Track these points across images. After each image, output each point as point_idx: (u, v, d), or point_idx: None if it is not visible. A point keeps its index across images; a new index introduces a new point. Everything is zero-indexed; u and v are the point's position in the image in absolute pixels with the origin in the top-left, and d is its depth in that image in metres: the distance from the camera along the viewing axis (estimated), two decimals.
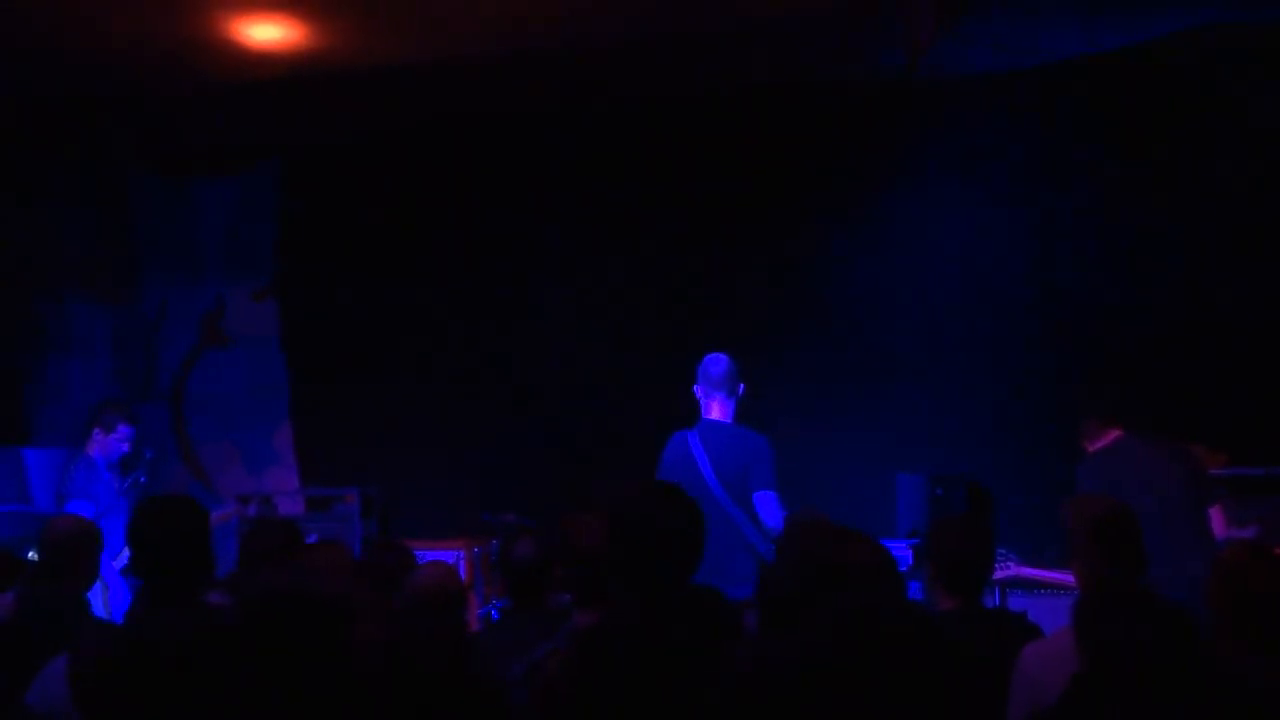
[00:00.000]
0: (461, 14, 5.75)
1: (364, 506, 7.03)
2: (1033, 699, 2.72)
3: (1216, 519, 4.47)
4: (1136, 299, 6.26)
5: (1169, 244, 6.27)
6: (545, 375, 7.28)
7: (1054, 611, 4.52)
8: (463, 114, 7.32)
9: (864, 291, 6.78)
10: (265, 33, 5.87)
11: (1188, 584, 3.60)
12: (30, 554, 4.74)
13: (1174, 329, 6.13)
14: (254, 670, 2.27)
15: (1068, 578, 3.64)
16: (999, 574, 4.49)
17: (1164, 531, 3.89)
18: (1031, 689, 2.77)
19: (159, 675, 2.31)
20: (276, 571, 2.86)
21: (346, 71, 6.42)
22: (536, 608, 3.54)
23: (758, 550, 4.48)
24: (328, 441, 7.74)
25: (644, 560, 2.57)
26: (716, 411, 4.71)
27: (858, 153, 6.82)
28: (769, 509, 4.47)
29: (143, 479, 6.01)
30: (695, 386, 4.77)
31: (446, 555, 5.70)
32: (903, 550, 5.15)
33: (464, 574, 6.31)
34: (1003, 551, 4.44)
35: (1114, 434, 4.58)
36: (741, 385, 4.74)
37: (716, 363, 4.73)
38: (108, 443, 5.89)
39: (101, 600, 5.22)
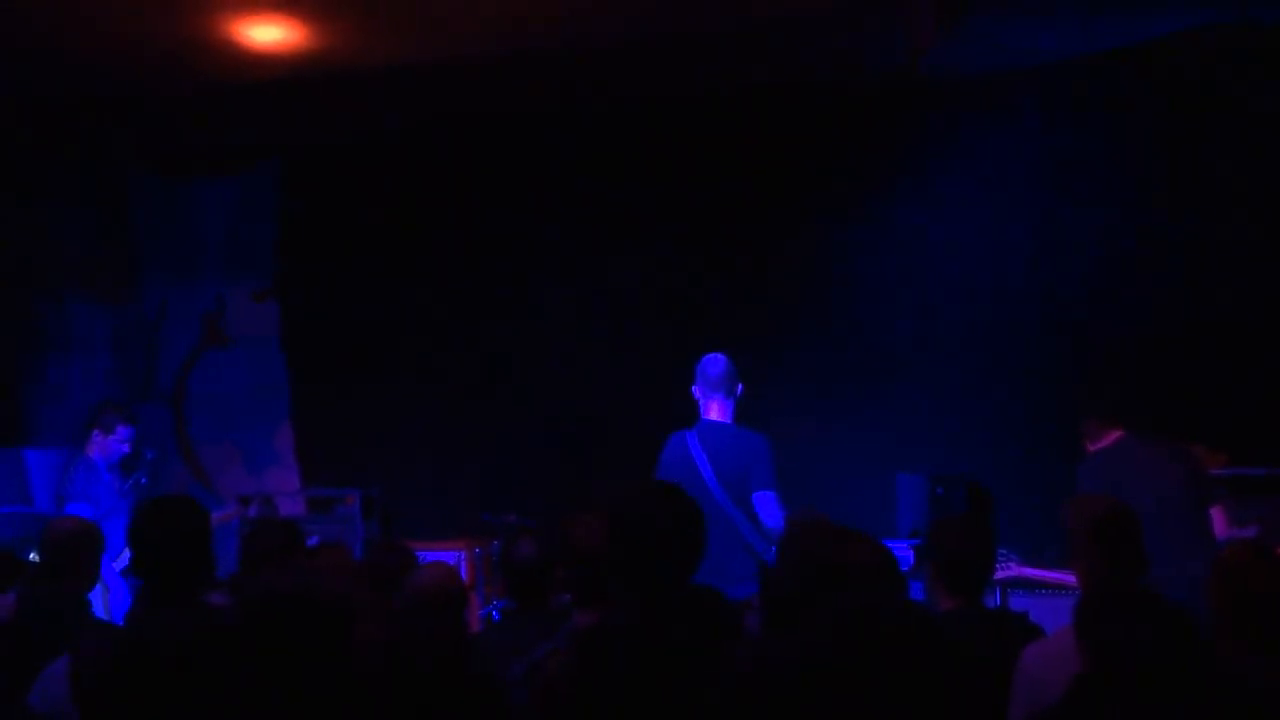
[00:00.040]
0: (461, 14, 5.75)
1: (365, 507, 7.03)
2: (1034, 699, 2.72)
3: (1218, 519, 4.47)
4: (1136, 299, 6.25)
5: (1169, 244, 6.26)
6: (545, 375, 7.27)
7: (1055, 612, 4.51)
8: (463, 114, 7.33)
9: (864, 291, 6.78)
10: (265, 33, 5.87)
11: (1188, 584, 3.60)
12: (31, 555, 4.73)
13: (1174, 329, 6.12)
14: (254, 671, 2.27)
15: (1069, 578, 3.64)
16: (1000, 574, 4.49)
17: (1164, 531, 3.89)
18: (1032, 689, 2.77)
19: (159, 676, 2.31)
20: (277, 572, 2.87)
21: (346, 72, 6.42)
22: (538, 608, 3.53)
23: (756, 550, 4.48)
24: (328, 442, 7.74)
25: (644, 560, 2.56)
26: (715, 412, 4.70)
27: (858, 153, 6.82)
28: (768, 509, 4.46)
29: (143, 480, 6.01)
30: (693, 387, 4.75)
31: (447, 556, 5.71)
32: (904, 550, 5.15)
33: (465, 574, 6.31)
34: (1004, 552, 4.44)
35: (1114, 434, 4.58)
36: (740, 385, 4.72)
37: (715, 363, 4.72)
38: (107, 444, 5.89)
39: (102, 602, 5.22)
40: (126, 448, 5.96)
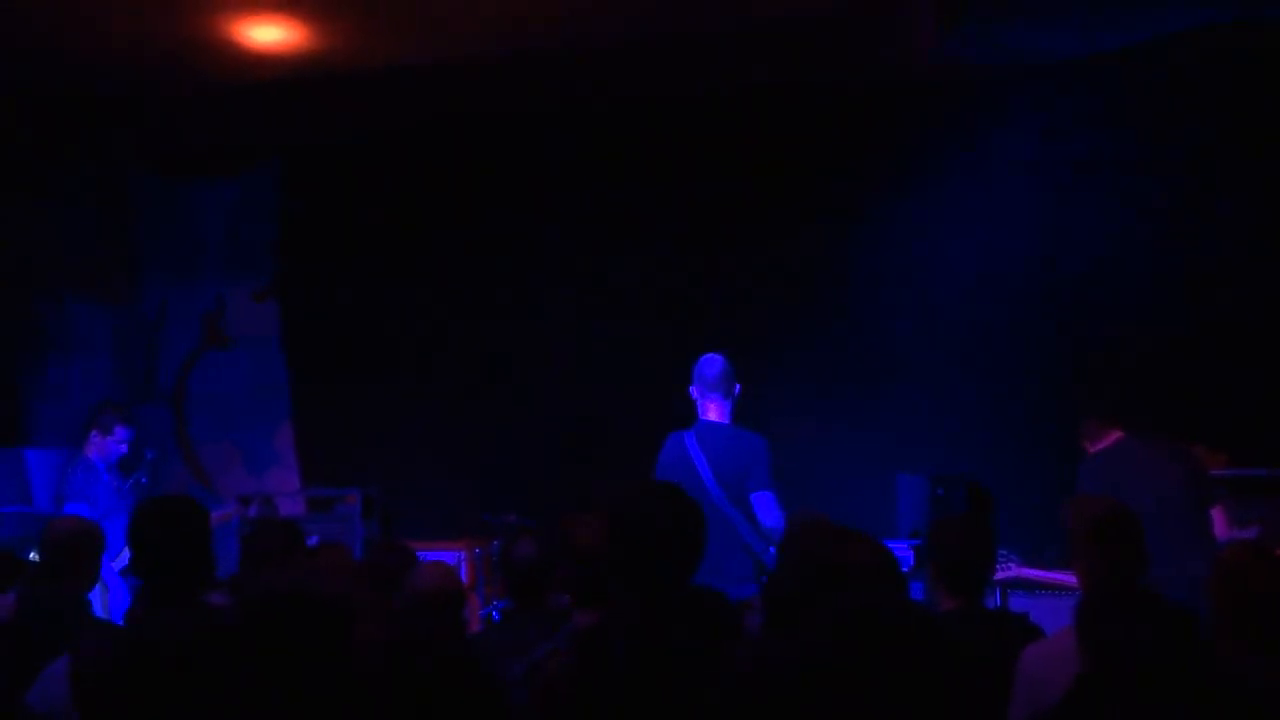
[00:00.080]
0: (461, 14, 5.76)
1: (365, 507, 7.02)
2: (1034, 700, 2.72)
3: (1219, 520, 4.47)
4: (1136, 299, 6.25)
5: (1169, 244, 6.26)
6: (545, 375, 7.28)
7: (1055, 612, 4.51)
8: (463, 114, 7.33)
9: (864, 291, 6.78)
10: (265, 34, 5.88)
11: (1188, 584, 3.60)
12: (31, 555, 4.73)
13: (1174, 329, 6.12)
14: (254, 671, 2.27)
15: (1069, 578, 3.64)
16: (1000, 574, 4.49)
17: (1164, 532, 3.88)
18: (1033, 690, 2.77)
19: (159, 676, 2.31)
20: (278, 572, 2.87)
21: (347, 72, 6.42)
22: (538, 608, 3.53)
23: (755, 551, 4.47)
24: (328, 442, 7.74)
25: (644, 560, 2.56)
26: (713, 413, 4.68)
27: (857, 153, 6.82)
28: (767, 509, 4.46)
29: (144, 480, 6.01)
30: (691, 388, 4.73)
31: (448, 556, 5.70)
32: (904, 551, 5.15)
33: (465, 575, 6.31)
34: (1004, 552, 4.44)
35: (1114, 435, 4.58)
36: (738, 386, 4.71)
37: (712, 364, 4.69)
38: (105, 445, 5.89)
39: (101, 602, 5.22)
40: (125, 448, 5.96)
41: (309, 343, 7.90)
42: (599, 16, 5.85)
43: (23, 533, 5.51)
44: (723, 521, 4.38)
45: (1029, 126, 6.53)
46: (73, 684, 2.64)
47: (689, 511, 2.62)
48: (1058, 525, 3.34)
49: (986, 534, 3.41)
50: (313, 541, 4.60)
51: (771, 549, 4.42)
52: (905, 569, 4.77)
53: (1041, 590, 4.82)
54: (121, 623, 3.57)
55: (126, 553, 3.96)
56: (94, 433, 5.89)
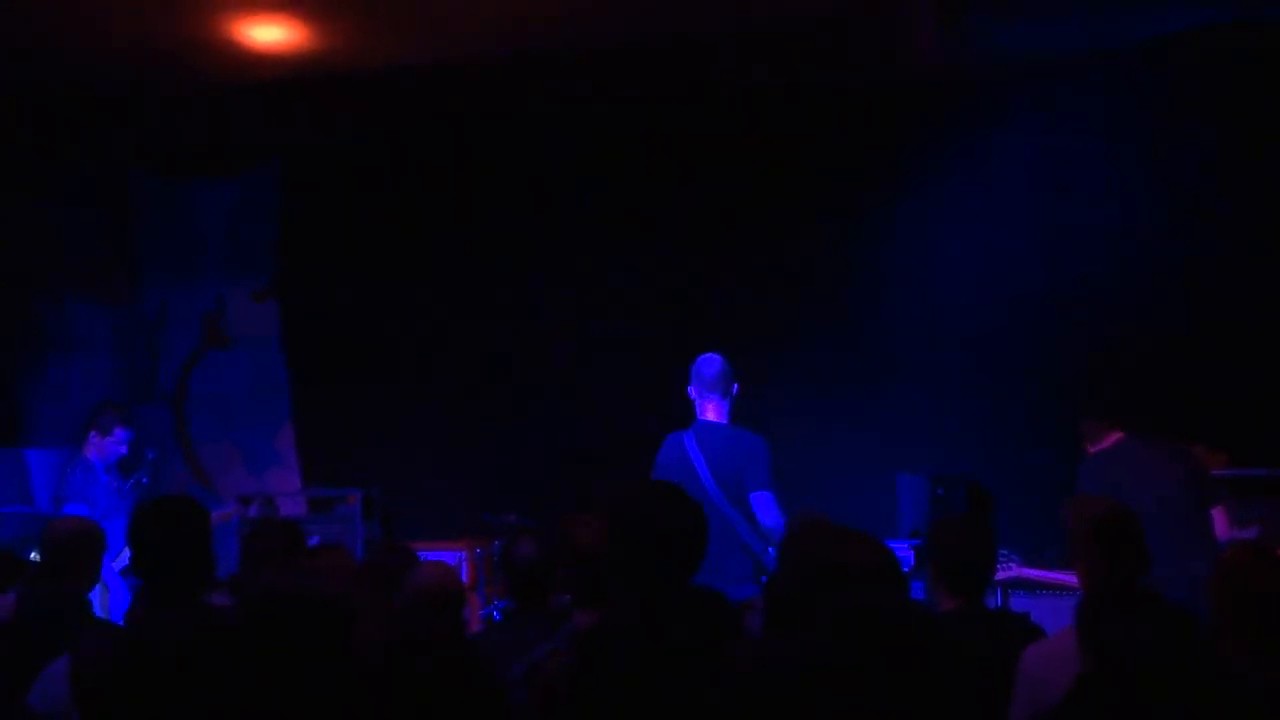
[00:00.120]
0: (461, 14, 5.75)
1: (365, 507, 7.03)
2: (1035, 700, 2.72)
3: (1219, 520, 4.47)
4: (1136, 299, 6.25)
5: (1169, 244, 6.26)
6: (545, 375, 7.27)
7: (1056, 612, 4.51)
8: (463, 114, 7.32)
9: (864, 291, 6.78)
10: (265, 33, 5.87)
11: (1188, 584, 3.60)
12: (32, 555, 4.74)
13: (1174, 329, 6.12)
14: (255, 671, 2.27)
15: (1070, 579, 3.64)
16: (1001, 575, 4.49)
17: (1164, 532, 3.88)
18: (1033, 690, 2.77)
19: (159, 676, 2.31)
20: (278, 573, 2.87)
21: (347, 72, 6.42)
22: (539, 608, 3.53)
23: (754, 551, 4.47)
24: (329, 442, 7.74)
25: (644, 560, 2.56)
26: (712, 413, 4.67)
27: (857, 153, 6.82)
28: (766, 509, 4.45)
29: (145, 480, 6.01)
30: (689, 388, 4.72)
31: (448, 556, 5.70)
32: (905, 551, 5.14)
33: (466, 575, 6.31)
34: (1005, 552, 4.44)
35: (1115, 435, 4.58)
36: (736, 385, 4.70)
37: (710, 364, 4.68)
38: (104, 446, 5.88)
39: (101, 602, 5.22)
40: (124, 450, 5.95)
41: (309, 343, 7.90)
42: (599, 16, 5.84)
43: (23, 533, 5.51)
44: (721, 522, 4.37)
45: (1029, 126, 6.53)
46: (73, 684, 2.64)
47: (690, 511, 2.62)
48: (1058, 525, 3.34)
49: (987, 534, 3.41)
50: (313, 542, 4.61)
51: (770, 549, 4.41)
52: (906, 569, 4.78)
53: (1042, 590, 4.82)
54: (122, 623, 3.57)
55: (127, 553, 3.96)
56: (93, 433, 5.89)
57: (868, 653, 1.87)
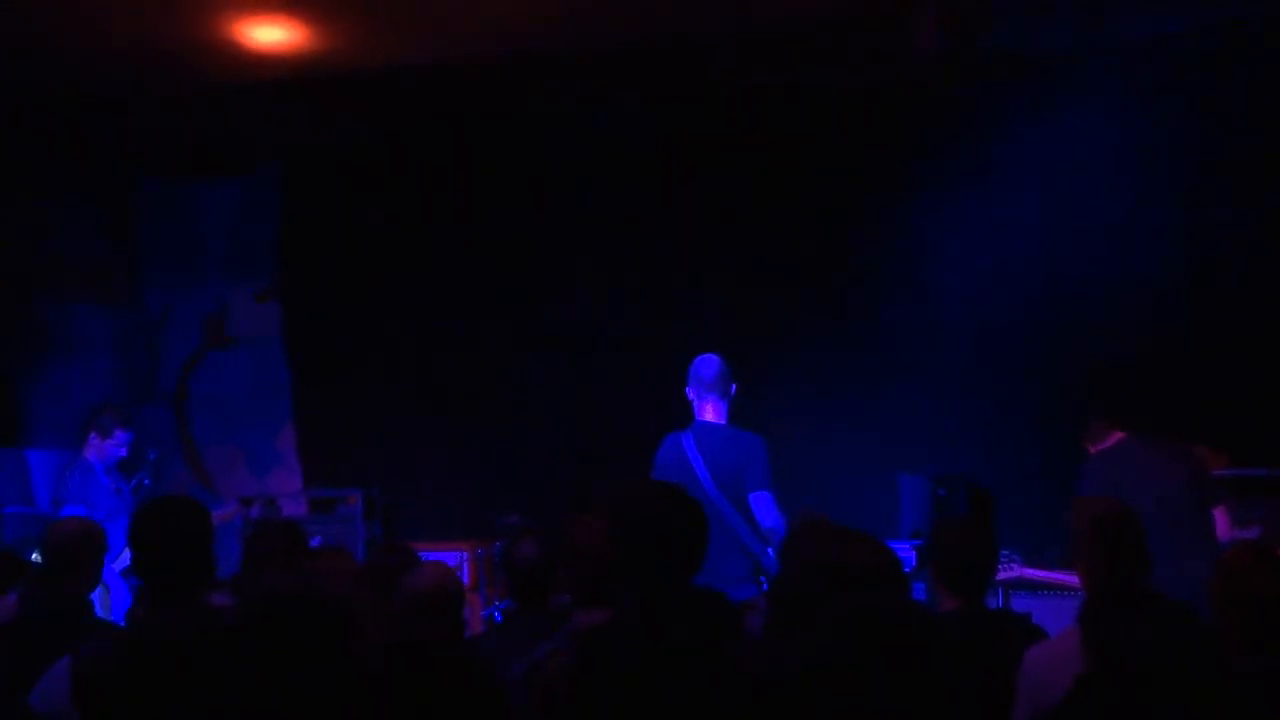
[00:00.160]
0: (461, 14, 5.75)
1: (367, 508, 7.03)
2: (1036, 701, 2.72)
3: (1221, 520, 4.47)
4: (1139, 299, 6.25)
5: (1172, 244, 6.26)
6: (546, 375, 7.27)
7: (1058, 613, 4.51)
8: (463, 114, 7.32)
9: (864, 292, 6.78)
10: (266, 34, 5.87)
11: (1189, 585, 3.59)
12: (33, 556, 4.73)
13: (1176, 330, 6.12)
14: (255, 671, 2.27)
15: (1071, 579, 3.64)
16: (1003, 575, 4.48)
17: (1166, 532, 3.88)
18: (1035, 691, 2.77)
19: (160, 676, 2.31)
20: (279, 573, 2.86)
21: (347, 73, 6.42)
22: (540, 609, 3.53)
23: (753, 552, 4.46)
24: (330, 442, 7.74)
25: (645, 561, 2.56)
26: (710, 413, 4.66)
27: (858, 153, 6.82)
28: (766, 509, 4.44)
29: (147, 481, 6.00)
30: (687, 389, 4.71)
31: (449, 557, 5.70)
32: (906, 551, 5.14)
33: (467, 575, 6.31)
34: (1006, 553, 4.43)
35: (1116, 435, 4.58)
36: (734, 386, 4.69)
37: (708, 364, 4.67)
38: (104, 447, 5.87)
39: (102, 603, 5.22)
40: (124, 451, 5.94)
41: (311, 343, 7.90)
42: (599, 16, 5.84)
43: (24, 534, 5.52)
44: (720, 522, 4.37)
45: (1029, 126, 6.52)
46: (74, 684, 2.64)
47: (690, 511, 2.62)
48: (1059, 525, 3.34)
49: (988, 534, 3.41)
50: (315, 542, 4.60)
51: (769, 550, 4.41)
52: (907, 569, 4.78)
53: (1044, 591, 4.82)
54: (122, 623, 3.57)
55: (127, 554, 3.96)
56: (93, 435, 5.88)
57: (869, 653, 1.87)
